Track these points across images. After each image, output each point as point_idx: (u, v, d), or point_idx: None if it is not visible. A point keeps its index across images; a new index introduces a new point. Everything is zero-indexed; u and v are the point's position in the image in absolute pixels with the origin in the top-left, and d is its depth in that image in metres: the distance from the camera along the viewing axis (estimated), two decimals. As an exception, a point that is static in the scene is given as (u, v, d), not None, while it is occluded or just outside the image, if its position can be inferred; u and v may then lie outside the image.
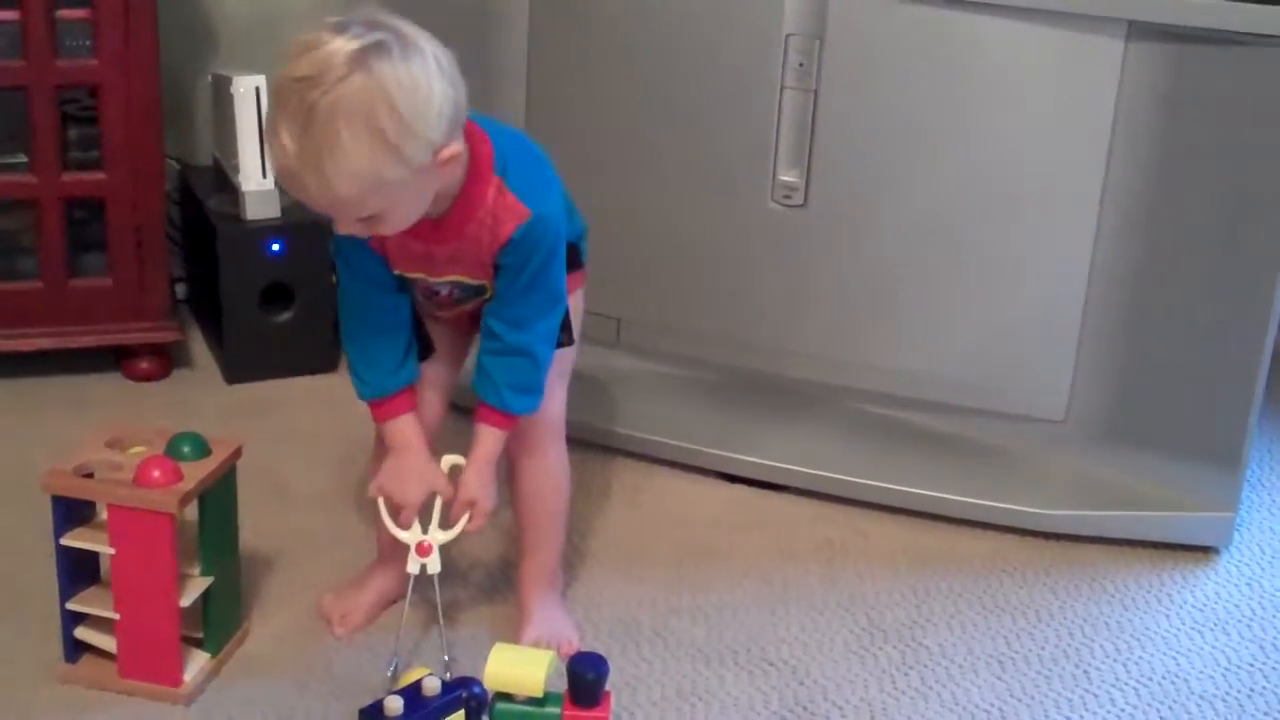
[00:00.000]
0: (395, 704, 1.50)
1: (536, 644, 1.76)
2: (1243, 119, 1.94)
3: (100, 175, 2.32)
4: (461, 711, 1.55)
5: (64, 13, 2.24)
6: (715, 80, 2.14)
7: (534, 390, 1.69)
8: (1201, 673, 1.84)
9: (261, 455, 1.91)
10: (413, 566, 1.70)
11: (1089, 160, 2.03)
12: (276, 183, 2.40)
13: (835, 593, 1.96)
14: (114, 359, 2.43)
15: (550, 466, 1.80)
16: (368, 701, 1.55)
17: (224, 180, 2.51)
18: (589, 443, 2.22)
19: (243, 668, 1.75)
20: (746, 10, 2.10)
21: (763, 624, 1.89)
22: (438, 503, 1.71)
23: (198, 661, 1.71)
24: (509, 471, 1.80)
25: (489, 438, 1.70)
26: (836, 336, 2.21)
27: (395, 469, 1.71)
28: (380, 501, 1.71)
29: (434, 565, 1.70)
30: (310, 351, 2.45)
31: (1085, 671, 1.83)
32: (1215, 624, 1.94)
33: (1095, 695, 1.79)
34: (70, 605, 1.68)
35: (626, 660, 1.79)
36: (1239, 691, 1.81)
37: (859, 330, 2.20)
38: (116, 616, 1.66)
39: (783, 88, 2.11)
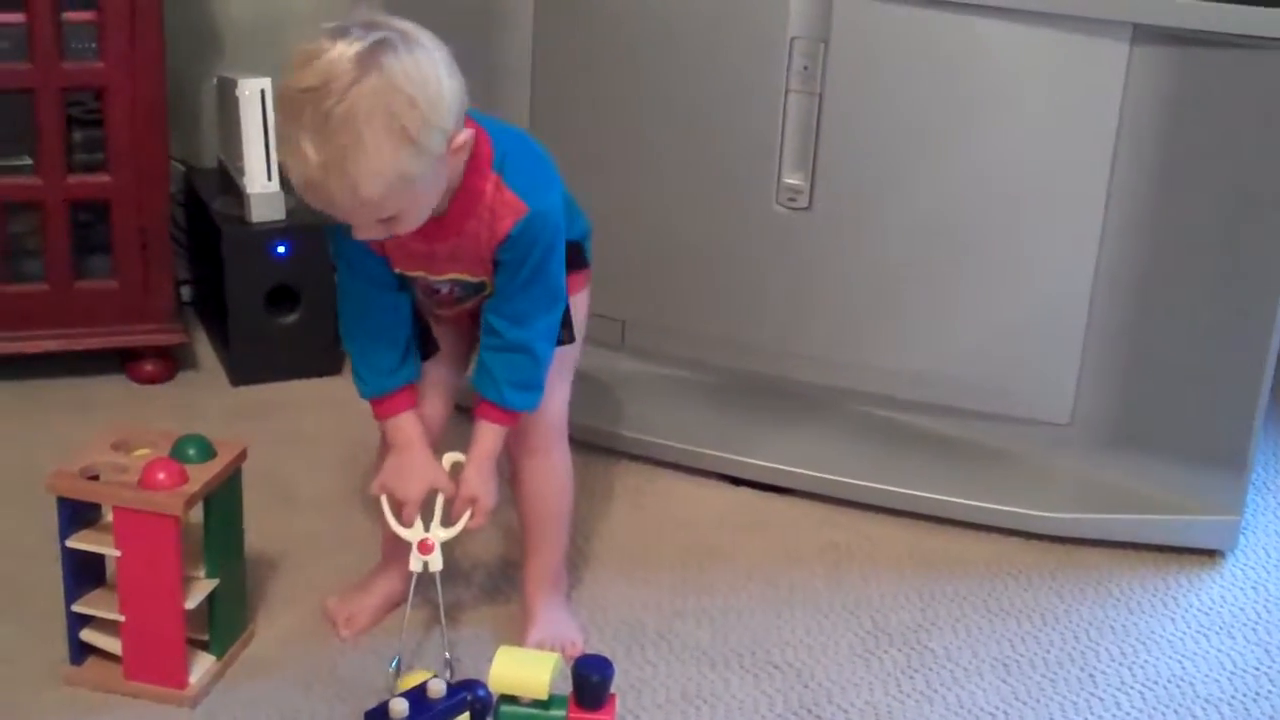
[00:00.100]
0: (400, 706, 1.50)
1: (541, 646, 1.76)
2: (1248, 122, 1.94)
3: (105, 178, 2.32)
4: (466, 714, 1.55)
5: (70, 15, 2.24)
6: (720, 83, 2.14)
7: (534, 387, 1.70)
8: (1207, 676, 1.84)
9: (266, 457, 1.91)
10: (415, 565, 1.71)
11: (1094, 163, 2.03)
12: (281, 185, 2.41)
13: (840, 596, 1.96)
14: (119, 361, 2.44)
15: (553, 467, 1.80)
16: (373, 704, 1.55)
17: (229, 182, 2.51)
18: (594, 445, 2.22)
19: (248, 670, 1.75)
20: (751, 13, 2.10)
21: (767, 627, 1.88)
22: (439, 500, 1.71)
23: (203, 664, 1.71)
24: (512, 472, 1.80)
25: (489, 434, 1.70)
26: (841, 339, 2.21)
27: (397, 466, 1.71)
28: (383, 499, 1.72)
29: (436, 563, 1.70)
30: (315, 354, 2.45)
31: (1090, 675, 1.83)
32: (1220, 628, 1.94)
33: (1100, 699, 1.79)
34: (75, 607, 1.68)
35: (631, 663, 1.79)
36: (1244, 695, 1.81)
37: (864, 333, 2.20)
38: (122, 619, 1.66)
39: (787, 91, 2.11)
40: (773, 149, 2.14)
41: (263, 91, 2.38)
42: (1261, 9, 1.87)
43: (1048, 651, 1.87)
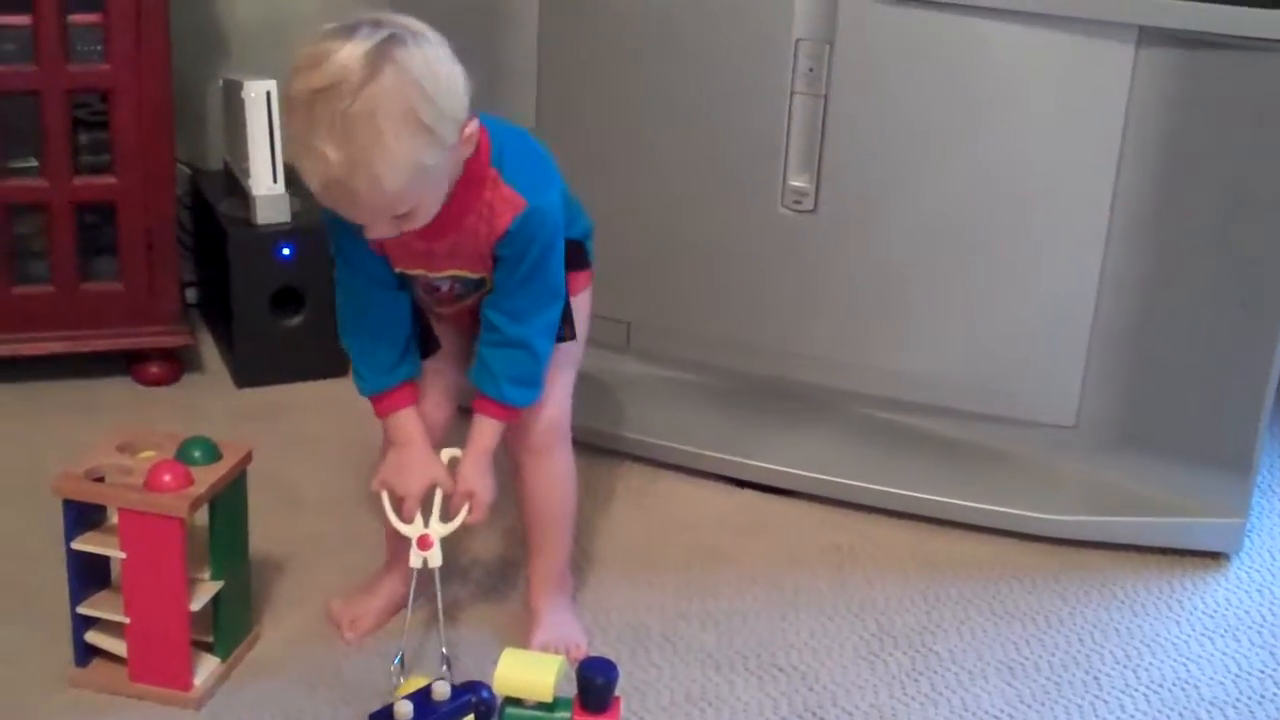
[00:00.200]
0: (405, 709, 1.50)
1: (545, 648, 1.76)
2: (1253, 124, 1.93)
3: (111, 180, 2.33)
4: (471, 716, 1.55)
5: (76, 17, 2.24)
6: (725, 85, 2.14)
7: (532, 383, 1.70)
8: (1212, 679, 1.84)
9: (271, 459, 1.91)
10: (415, 561, 1.71)
11: (1099, 165, 2.02)
12: (287, 187, 2.41)
13: (844, 598, 1.96)
14: (124, 363, 2.44)
15: (557, 468, 1.80)
16: (377, 706, 1.55)
17: (235, 185, 2.52)
18: (598, 447, 2.22)
19: (253, 672, 1.75)
20: (756, 15, 2.10)
21: (772, 629, 1.88)
22: (438, 495, 1.71)
23: (208, 665, 1.71)
24: (515, 474, 1.80)
25: (486, 428, 1.70)
26: (846, 341, 2.21)
27: (396, 462, 1.72)
28: (383, 495, 1.72)
29: (435, 559, 1.71)
30: (320, 355, 2.45)
31: (1095, 678, 1.83)
32: (1226, 630, 1.94)
33: (1105, 702, 1.78)
34: (81, 609, 1.68)
35: (636, 665, 1.79)
36: (1249, 698, 1.81)
37: (869, 335, 2.20)
38: (127, 620, 1.66)
39: (792, 93, 2.11)
40: (778, 151, 2.14)
41: (268, 94, 2.38)
42: (1267, 11, 1.87)
43: (1052, 654, 1.87)
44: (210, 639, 1.72)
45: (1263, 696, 1.81)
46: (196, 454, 1.68)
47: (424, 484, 1.71)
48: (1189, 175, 1.99)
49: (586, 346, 1.83)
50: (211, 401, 2.40)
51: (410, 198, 1.52)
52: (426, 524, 1.71)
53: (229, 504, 1.70)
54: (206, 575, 1.69)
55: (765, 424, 2.26)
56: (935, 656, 1.85)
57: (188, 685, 1.68)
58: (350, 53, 1.45)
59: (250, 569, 1.79)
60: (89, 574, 1.69)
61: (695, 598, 1.94)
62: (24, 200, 2.33)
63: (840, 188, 2.13)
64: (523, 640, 1.79)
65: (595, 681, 1.56)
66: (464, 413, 1.82)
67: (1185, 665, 1.86)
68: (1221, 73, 1.93)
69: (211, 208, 2.51)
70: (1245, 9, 1.88)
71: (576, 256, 1.75)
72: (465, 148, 1.56)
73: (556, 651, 1.73)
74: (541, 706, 1.56)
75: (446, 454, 1.73)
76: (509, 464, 1.79)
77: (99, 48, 2.26)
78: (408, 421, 1.72)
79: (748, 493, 2.20)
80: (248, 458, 1.73)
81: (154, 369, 2.43)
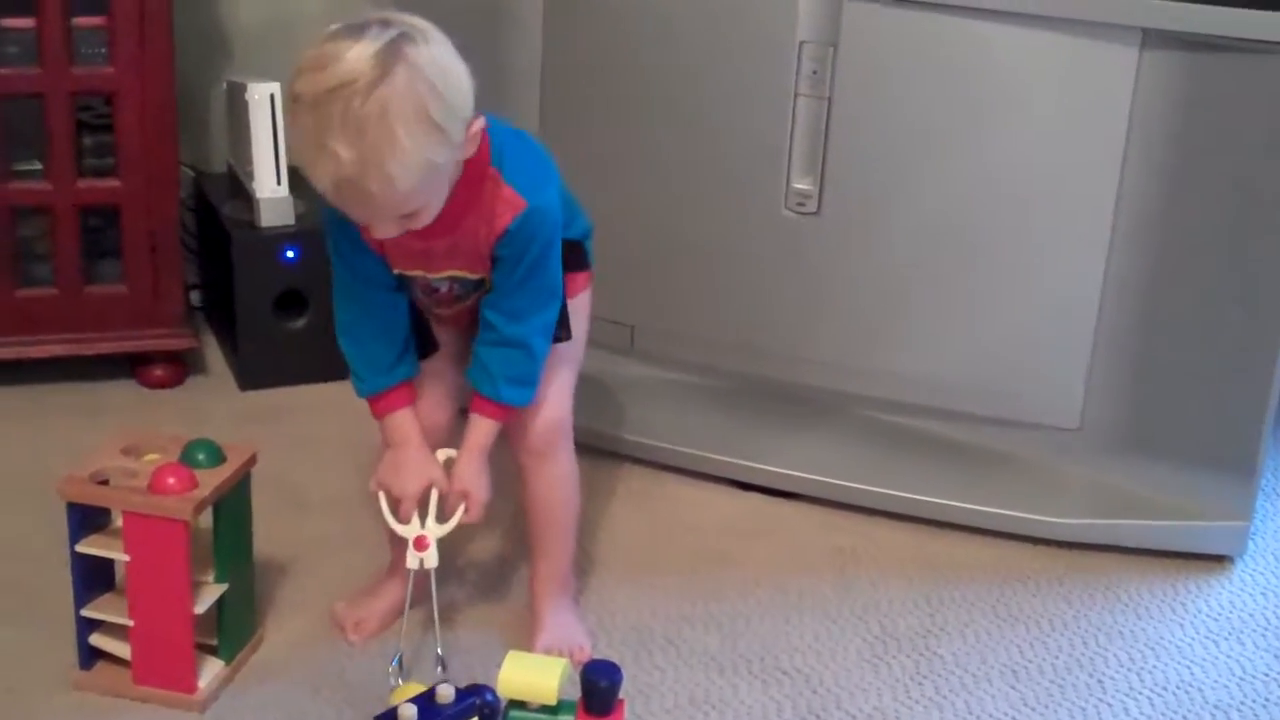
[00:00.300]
0: (409, 711, 1.50)
1: (549, 651, 1.76)
2: (1257, 126, 1.93)
3: (115, 182, 2.33)
4: (475, 719, 1.55)
5: (79, 20, 2.25)
6: (729, 87, 2.14)
7: (529, 383, 1.70)
8: (1216, 682, 1.84)
9: (275, 462, 1.91)
10: (412, 562, 1.71)
11: (1103, 167, 2.02)
12: (291, 189, 2.41)
13: (848, 601, 1.96)
14: (129, 366, 2.44)
15: (558, 470, 1.80)
16: (381, 709, 1.55)
17: (238, 187, 2.52)
18: (602, 449, 2.22)
19: (257, 674, 1.75)
20: (760, 17, 2.10)
21: (776, 632, 1.88)
22: (434, 496, 1.71)
23: (212, 668, 1.72)
24: (518, 476, 1.80)
25: (482, 427, 1.71)
26: (850, 344, 2.21)
27: (393, 463, 1.72)
28: (381, 496, 1.72)
29: (431, 560, 1.71)
30: (324, 358, 2.43)
31: (1099, 681, 1.83)
32: (1230, 633, 1.94)
33: (1109, 705, 1.78)
34: (85, 612, 1.68)
35: (639, 668, 1.79)
36: (1254, 701, 1.81)
37: (872, 337, 2.20)
38: (131, 623, 1.66)
39: (796, 95, 2.11)
40: (781, 153, 2.14)
41: (272, 96, 2.38)
42: (1271, 13, 1.86)
43: (1056, 657, 1.87)
44: (214, 642, 1.72)
45: (1267, 699, 1.81)
46: (200, 457, 1.68)
47: (420, 485, 1.71)
48: (1193, 178, 1.99)
49: (586, 348, 1.83)
50: (215, 404, 2.40)
51: (420, 196, 1.52)
52: (423, 525, 1.71)
53: (233, 507, 1.70)
54: (210, 578, 1.69)
55: (769, 426, 2.26)
56: (939, 659, 1.85)
57: (192, 688, 1.68)
58: (361, 52, 1.46)
59: (254, 571, 1.79)
60: (93, 577, 1.69)
61: (699, 600, 1.94)
62: (28, 203, 2.33)
63: (844, 190, 2.13)
64: (524, 642, 1.79)
65: (599, 684, 1.56)
66: (465, 414, 1.82)
67: (1189, 668, 1.86)
68: (1225, 75, 1.93)
69: (215, 210, 2.51)
70: (1249, 11, 1.88)
71: (575, 257, 1.75)
72: (469, 146, 1.56)
73: (560, 654, 1.73)
74: (545, 709, 1.56)
75: (443, 454, 1.73)
76: (513, 466, 1.79)
77: (103, 50, 2.26)
78: (404, 422, 1.72)
79: (751, 495, 2.20)
80: (252, 460, 1.73)
81: (158, 372, 2.43)
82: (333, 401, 2.40)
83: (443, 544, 1.72)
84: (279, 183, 2.41)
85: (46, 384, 2.41)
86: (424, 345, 1.77)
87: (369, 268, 1.68)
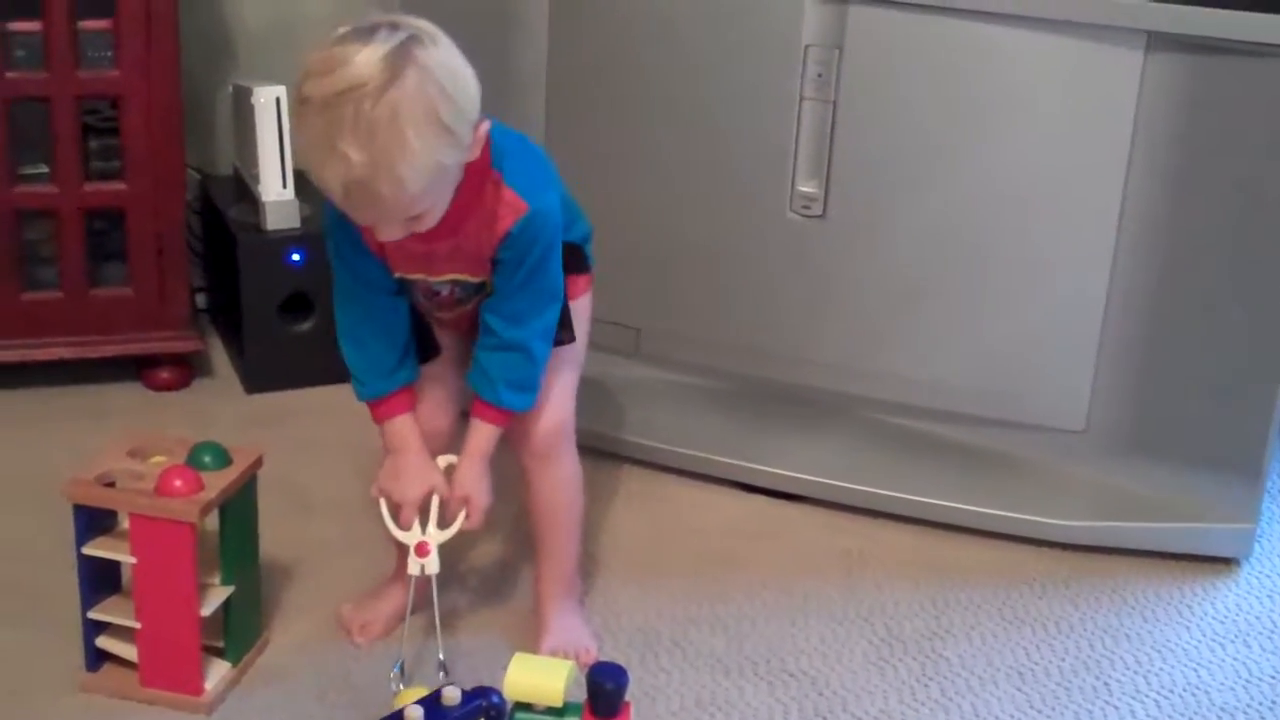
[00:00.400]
0: (415, 714, 1.50)
1: (555, 653, 1.76)
2: (1262, 129, 1.93)
3: (121, 185, 2.33)
4: (481, 721, 1.56)
5: (86, 23, 2.25)
6: (735, 91, 2.15)
7: (529, 387, 1.70)
8: (1223, 685, 1.84)
9: (281, 465, 1.91)
10: (413, 568, 1.71)
11: (1108, 170, 2.02)
12: (297, 192, 2.42)
13: (854, 603, 1.96)
14: (134, 368, 2.44)
15: (562, 472, 1.80)
16: (386, 712, 1.55)
17: (244, 190, 2.52)
18: (607, 451, 2.22)
19: (263, 677, 1.75)
20: (765, 21, 2.10)
21: (781, 634, 1.88)
22: (435, 502, 1.71)
23: (219, 670, 1.72)
24: (521, 479, 1.80)
25: (483, 433, 1.71)
26: (855, 346, 2.21)
27: (393, 468, 1.72)
28: (381, 503, 1.72)
29: (432, 566, 1.71)
30: (330, 361, 2.41)
31: (1105, 683, 1.83)
32: (1236, 636, 1.94)
33: (1116, 707, 1.78)
34: (92, 614, 1.69)
35: (645, 670, 1.79)
36: (1260, 704, 1.80)
37: (878, 340, 2.20)
38: (138, 625, 1.66)
39: (802, 98, 2.12)
40: (787, 156, 2.14)
41: (278, 99, 2.39)
42: (1276, 16, 1.86)
43: (1062, 660, 1.87)
44: (221, 644, 1.73)
45: (1274, 702, 1.81)
46: (207, 459, 1.68)
47: (421, 491, 1.71)
48: (1198, 180, 1.99)
49: (588, 350, 1.83)
50: (221, 406, 2.40)
51: (427, 198, 1.52)
52: (424, 531, 1.71)
53: (239, 509, 1.70)
54: (217, 580, 1.69)
55: (774, 429, 2.26)
56: (945, 662, 1.85)
57: (198, 690, 1.68)
58: (371, 55, 1.46)
59: (260, 574, 1.79)
60: (100, 579, 1.69)
61: (704, 602, 1.94)
62: (34, 206, 2.33)
63: (849, 193, 2.13)
64: (529, 645, 1.79)
65: (605, 686, 1.56)
66: (467, 418, 1.82)
67: (1196, 671, 1.86)
68: (1230, 78, 1.93)
69: (221, 213, 2.51)
70: (1254, 14, 1.88)
71: (575, 260, 1.75)
72: (475, 148, 1.56)
73: (566, 656, 1.73)
74: (551, 711, 1.56)
75: (443, 460, 1.73)
76: (515, 469, 1.79)
77: (109, 54, 2.27)
78: (404, 427, 1.72)
79: (757, 498, 2.20)
80: (258, 463, 1.73)
81: (164, 374, 2.43)
82: (338, 404, 2.39)
83: (445, 549, 1.72)
84: (285, 186, 2.41)
85: (52, 387, 2.41)
86: (425, 349, 1.77)
87: (370, 271, 1.69)
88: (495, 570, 1.99)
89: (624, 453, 2.25)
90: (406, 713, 1.50)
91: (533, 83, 2.28)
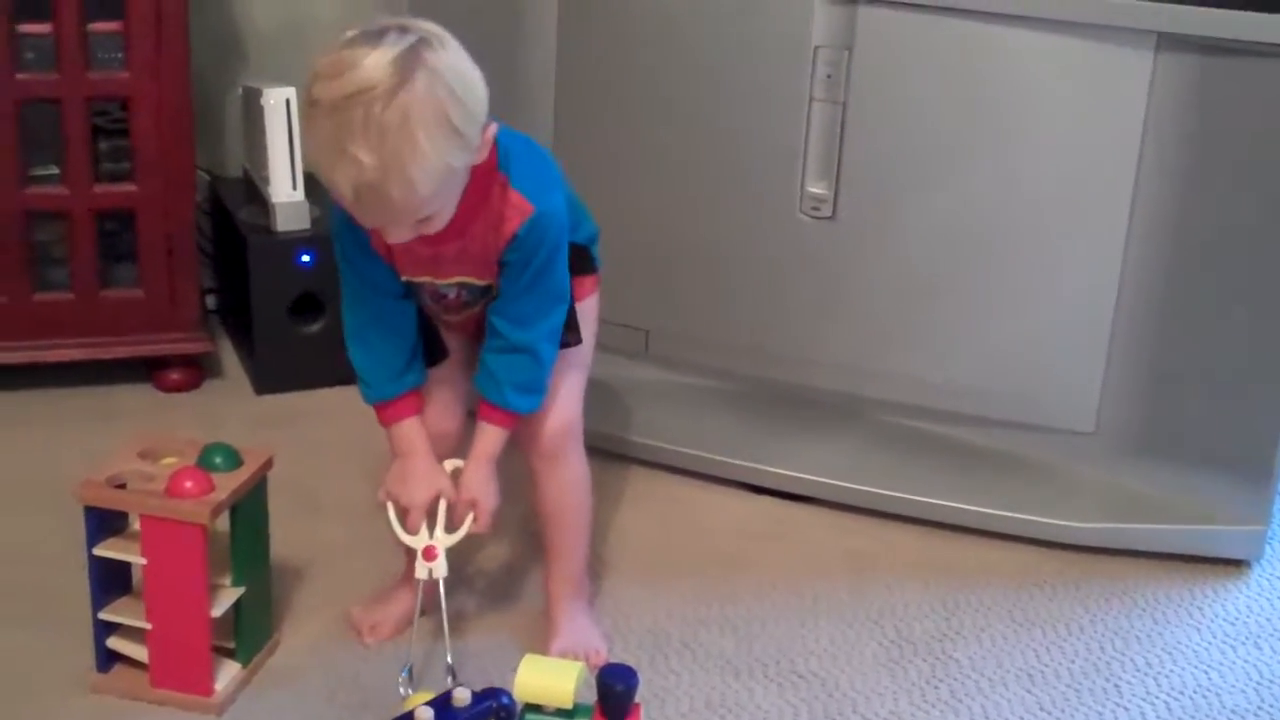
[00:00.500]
0: (425, 715, 1.50)
1: (564, 654, 1.76)
2: (1273, 129, 1.93)
3: (131, 187, 2.34)
4: (491, 722, 1.56)
5: (96, 25, 2.25)
6: (744, 92, 2.15)
7: (536, 389, 1.70)
8: (1234, 687, 1.83)
9: (291, 466, 1.91)
10: (420, 572, 1.71)
11: (1118, 171, 2.02)
12: (306, 194, 2.42)
13: (863, 605, 1.96)
14: (145, 370, 2.45)
15: (570, 473, 1.80)
16: (397, 713, 1.55)
17: (254, 192, 2.53)
18: (616, 453, 2.23)
19: (273, 678, 1.75)
20: (775, 22, 2.10)
21: (791, 636, 1.88)
22: (442, 506, 1.72)
23: (229, 671, 1.72)
24: (530, 480, 1.80)
25: (490, 435, 1.71)
26: (864, 348, 2.21)
27: (400, 472, 1.72)
28: (389, 506, 1.72)
29: (440, 570, 1.71)
30: (340, 362, 2.41)
31: (1116, 685, 1.82)
32: (1247, 638, 1.93)
33: (1126, 709, 1.78)
34: (102, 615, 1.69)
35: (655, 672, 1.79)
36: (1272, 706, 1.80)
37: (887, 341, 2.19)
38: (148, 626, 1.66)
39: (811, 99, 2.11)
40: (796, 157, 2.14)
41: (287, 101, 2.39)
42: (1286, 17, 1.87)
43: (1072, 662, 1.86)
44: (231, 645, 1.73)
45: (1284, 704, 1.81)
46: (218, 460, 1.69)
47: (428, 495, 1.71)
48: (1208, 181, 1.99)
49: (597, 352, 1.83)
50: (231, 408, 2.40)
51: (437, 200, 1.53)
52: (432, 535, 1.71)
53: (250, 510, 1.71)
54: (228, 581, 1.69)
55: (783, 430, 2.26)
56: (955, 663, 1.85)
57: (209, 691, 1.69)
58: (380, 58, 1.46)
59: (271, 575, 1.79)
60: (110, 580, 1.70)
61: (714, 604, 1.94)
62: (45, 208, 2.34)
63: (859, 194, 2.13)
64: (538, 646, 1.79)
65: (615, 688, 1.56)
66: (475, 420, 1.82)
67: (1206, 673, 1.86)
68: (1240, 79, 1.92)
69: (231, 214, 2.52)
70: (1263, 15, 1.87)
71: (582, 261, 1.76)
72: (483, 151, 1.56)
73: (576, 657, 1.73)
74: (562, 713, 1.56)
75: (450, 464, 1.73)
76: (522, 471, 1.79)
77: (119, 55, 2.27)
78: (411, 431, 1.72)
79: (766, 499, 2.20)
80: (268, 464, 1.73)
81: (174, 375, 2.44)
82: (348, 406, 2.38)
83: (453, 550, 1.72)
84: (295, 187, 2.41)
85: (63, 388, 2.41)
86: (433, 353, 1.77)
87: (377, 275, 1.69)
88: (505, 571, 1.99)
89: (632, 454, 2.25)
90: (417, 714, 1.50)
91: (541, 84, 2.28)
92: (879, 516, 2.15)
